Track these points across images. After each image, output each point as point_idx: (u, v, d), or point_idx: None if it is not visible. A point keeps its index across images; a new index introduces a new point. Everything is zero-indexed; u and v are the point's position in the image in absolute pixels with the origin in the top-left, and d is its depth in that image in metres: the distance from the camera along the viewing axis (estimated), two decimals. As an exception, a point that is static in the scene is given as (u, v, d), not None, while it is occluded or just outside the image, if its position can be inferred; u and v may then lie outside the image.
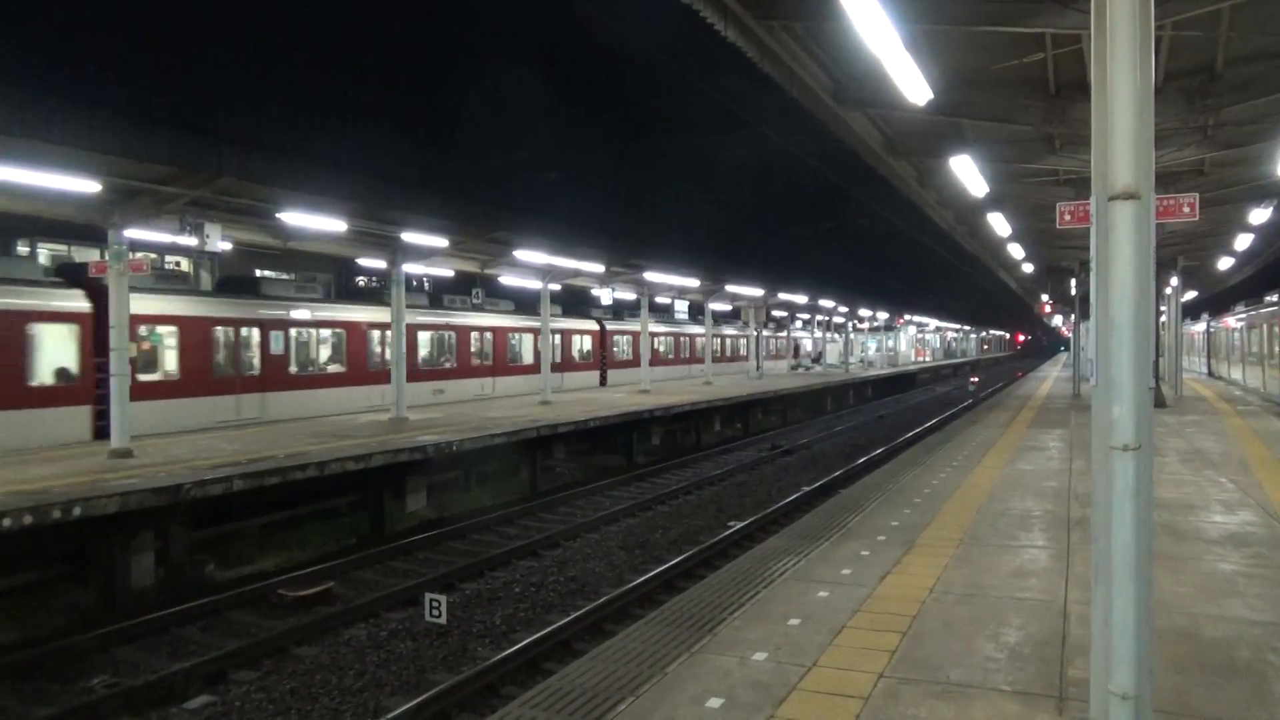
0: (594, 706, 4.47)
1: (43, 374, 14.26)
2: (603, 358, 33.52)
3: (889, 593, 6.23)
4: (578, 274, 24.78)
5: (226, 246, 16.10)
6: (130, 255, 13.31)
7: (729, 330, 46.67)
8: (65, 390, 14.53)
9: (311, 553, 12.63)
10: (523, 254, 20.43)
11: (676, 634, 5.51)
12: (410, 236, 16.97)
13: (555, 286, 25.56)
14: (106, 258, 13.28)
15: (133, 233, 13.16)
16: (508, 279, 25.18)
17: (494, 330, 26.88)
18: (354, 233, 16.24)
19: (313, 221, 14.46)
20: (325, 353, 20.54)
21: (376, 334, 21.66)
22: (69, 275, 15.38)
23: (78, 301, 14.77)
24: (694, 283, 29.80)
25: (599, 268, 24.02)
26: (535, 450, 17.50)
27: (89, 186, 11.20)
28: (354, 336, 21.14)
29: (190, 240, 13.36)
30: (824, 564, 7.09)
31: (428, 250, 18.20)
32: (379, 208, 15.72)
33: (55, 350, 14.42)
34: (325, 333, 20.48)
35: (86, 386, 14.72)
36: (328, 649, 8.83)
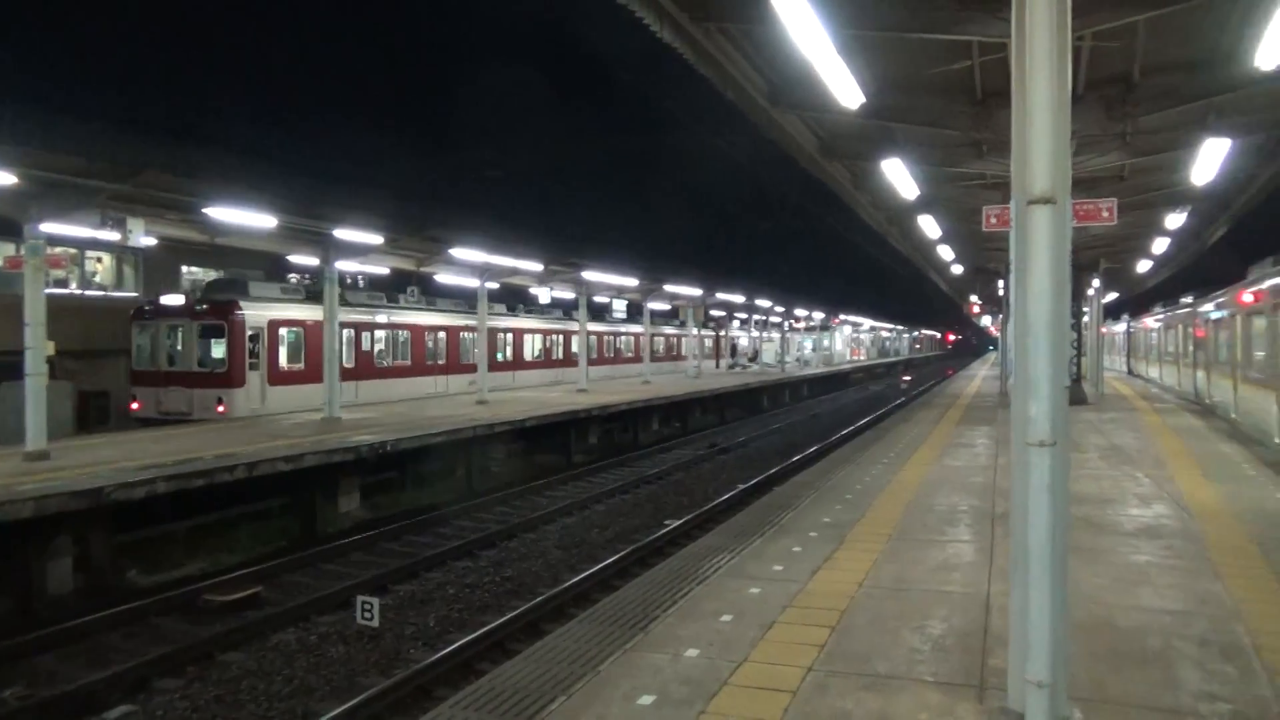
0: (526, 705, 4.46)
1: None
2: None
3: (820, 588, 6.33)
4: (515, 272, 24.65)
5: (150, 242, 15.66)
6: (49, 250, 12.86)
7: (668, 329, 46.87)
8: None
9: (240, 556, 12.33)
10: (460, 252, 20.25)
11: (610, 632, 5.53)
12: (343, 233, 16.68)
13: (493, 285, 25.40)
14: (22, 253, 12.81)
15: (51, 227, 12.71)
16: (445, 278, 24.93)
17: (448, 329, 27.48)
18: (285, 229, 15.91)
19: (242, 217, 14.13)
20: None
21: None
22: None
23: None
24: (632, 282, 29.87)
25: (537, 266, 23.92)
26: (472, 450, 17.35)
27: (2, 179, 10.77)
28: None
29: (112, 235, 12.97)
30: (757, 560, 7.17)
31: (362, 247, 17.92)
32: (311, 203, 15.43)
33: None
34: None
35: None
36: (255, 654, 8.64)
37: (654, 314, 40.82)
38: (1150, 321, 33.68)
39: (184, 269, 25.32)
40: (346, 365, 21.74)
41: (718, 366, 51.64)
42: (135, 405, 19.87)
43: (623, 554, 11.82)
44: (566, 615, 9.15)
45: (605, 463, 20.63)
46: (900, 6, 8.20)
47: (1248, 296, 15.31)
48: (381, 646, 8.83)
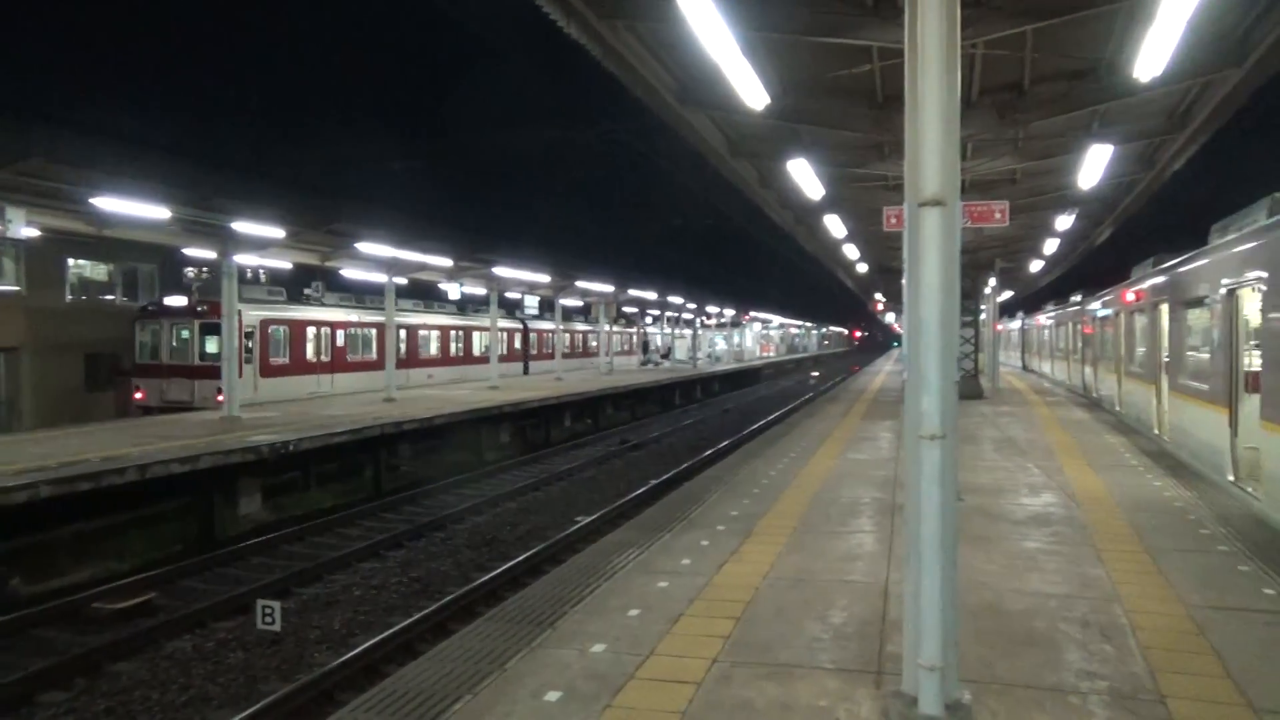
0: (431, 706, 4.41)
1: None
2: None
3: (726, 580, 6.43)
4: (424, 267, 24.25)
5: (33, 233, 14.86)
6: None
7: (580, 325, 46.81)
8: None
9: (132, 562, 11.82)
10: (366, 246, 19.78)
11: (518, 630, 5.50)
12: (242, 226, 16.11)
13: (401, 280, 24.95)
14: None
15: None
16: (351, 272, 24.34)
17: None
18: (179, 221, 15.29)
19: (132, 208, 13.53)
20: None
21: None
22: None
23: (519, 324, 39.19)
24: (544, 278, 29.71)
25: (446, 262, 23.58)
26: (379, 449, 17.02)
27: None
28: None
29: (-11, 225, 12.27)
30: (665, 555, 7.24)
31: (261, 241, 17.36)
32: (208, 195, 14.88)
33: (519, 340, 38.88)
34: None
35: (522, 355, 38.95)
36: (148, 663, 8.32)
37: (568, 310, 40.80)
38: (1043, 319, 35.18)
39: (70, 261, 24.07)
40: (324, 360, 25.19)
41: (644, 363, 51.84)
42: (139, 395, 21.91)
43: (533, 551, 11.78)
44: (476, 614, 9.06)
45: (517, 460, 20.51)
46: (803, 10, 8.38)
47: (1130, 296, 16.15)
48: (283, 651, 8.60)
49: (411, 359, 30.01)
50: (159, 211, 14.03)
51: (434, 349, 31.91)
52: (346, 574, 11.32)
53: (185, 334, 22.10)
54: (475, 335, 35.09)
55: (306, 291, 26.60)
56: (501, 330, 35.98)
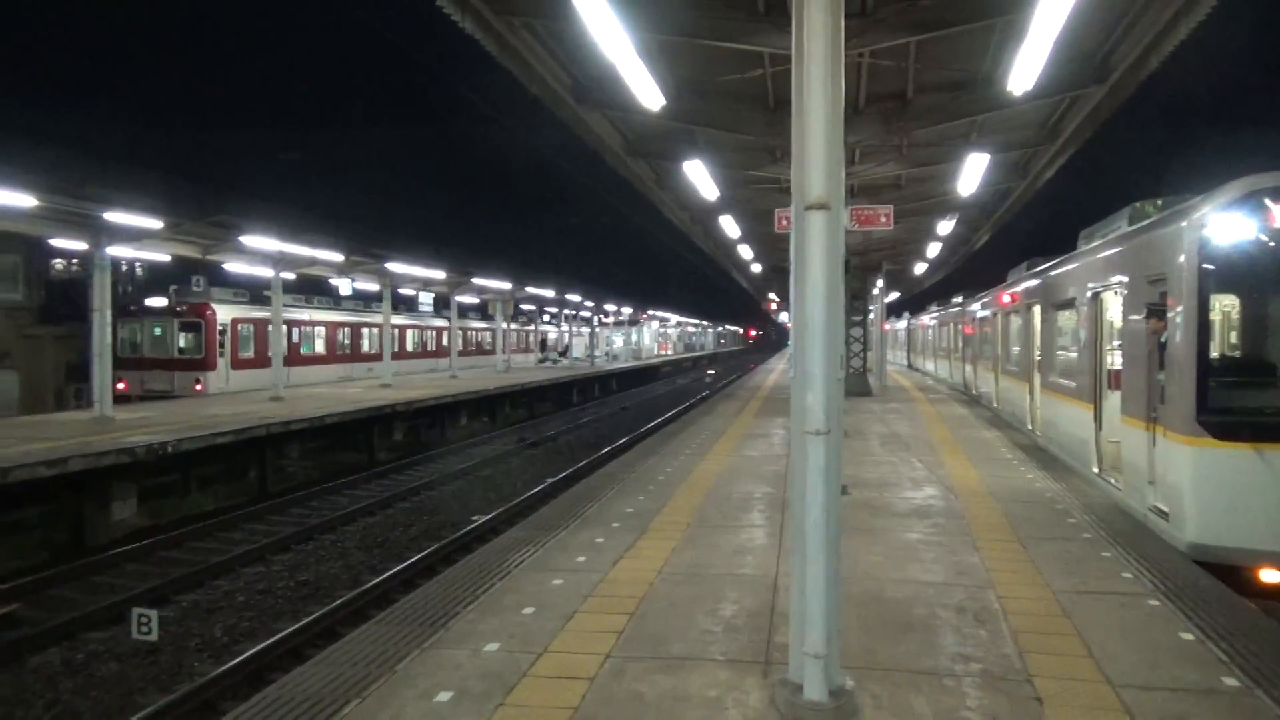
0: (318, 712, 4.30)
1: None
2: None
3: (620, 576, 6.48)
4: (314, 262, 23.55)
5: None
6: None
7: (476, 324, 46.35)
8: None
9: (-8, 572, 11.12)
10: (251, 239, 19.06)
11: (410, 632, 5.42)
12: (116, 216, 15.30)
13: (289, 275, 24.16)
14: None
15: None
16: (236, 267, 23.41)
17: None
18: (45, 209, 14.40)
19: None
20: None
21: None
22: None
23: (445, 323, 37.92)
24: (439, 274, 29.24)
25: (338, 257, 22.95)
26: (265, 449, 16.45)
27: None
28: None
29: None
30: (561, 552, 7.25)
31: (137, 232, 16.49)
32: (79, 182, 14.09)
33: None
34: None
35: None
36: (11, 679, 7.84)
37: (464, 308, 40.40)
38: (927, 319, 36.58)
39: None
40: (283, 355, 26.15)
41: (542, 360, 51.51)
42: (121, 386, 22.40)
43: (427, 552, 11.60)
44: (367, 617, 8.87)
45: (411, 459, 20.14)
46: (696, 13, 8.51)
47: (1005, 298, 16.96)
48: (161, 662, 8.24)
49: (355, 354, 33.07)
50: (22, 199, 13.20)
51: (374, 345, 34.01)
52: (229, 580, 10.91)
53: (160, 331, 24.67)
54: (409, 333, 38.91)
55: (266, 292, 27.50)
56: (431, 329, 40.79)
